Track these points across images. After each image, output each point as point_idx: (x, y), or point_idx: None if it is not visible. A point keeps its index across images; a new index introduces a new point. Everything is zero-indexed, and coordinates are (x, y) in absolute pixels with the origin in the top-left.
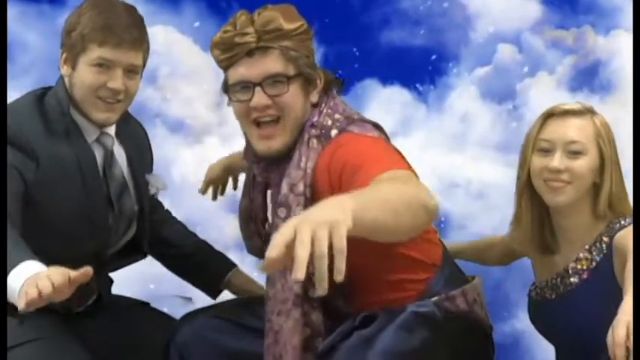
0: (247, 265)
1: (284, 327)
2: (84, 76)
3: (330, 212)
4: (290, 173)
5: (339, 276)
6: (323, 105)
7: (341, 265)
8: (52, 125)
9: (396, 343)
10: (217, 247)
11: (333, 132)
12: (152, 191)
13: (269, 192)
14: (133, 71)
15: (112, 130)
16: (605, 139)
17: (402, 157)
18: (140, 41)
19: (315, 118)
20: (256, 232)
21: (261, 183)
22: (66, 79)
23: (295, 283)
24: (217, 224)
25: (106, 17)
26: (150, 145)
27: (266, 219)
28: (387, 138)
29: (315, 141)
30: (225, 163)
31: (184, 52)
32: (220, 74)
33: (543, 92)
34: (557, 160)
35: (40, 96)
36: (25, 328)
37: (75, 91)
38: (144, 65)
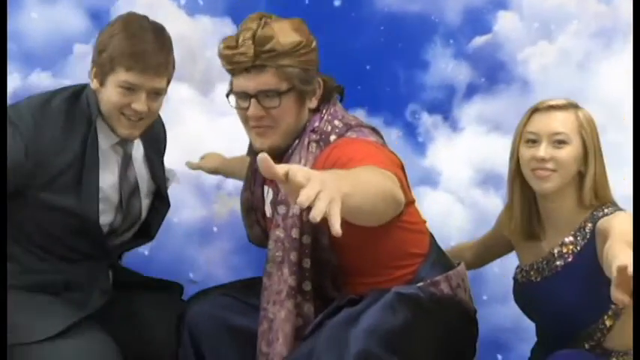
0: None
1: (277, 316)
2: (110, 94)
3: (334, 186)
4: None
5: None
6: (324, 111)
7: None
8: (74, 128)
9: (379, 321)
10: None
11: (332, 137)
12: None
13: (266, 187)
14: (156, 94)
15: None
16: (587, 131)
17: (394, 159)
18: (165, 65)
19: (316, 124)
20: (256, 221)
21: (261, 177)
22: (95, 92)
23: (290, 276)
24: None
25: (134, 43)
26: (165, 137)
27: (265, 211)
28: (384, 142)
29: (314, 145)
30: (219, 167)
31: (169, 17)
32: (206, 41)
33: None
34: (542, 150)
35: (79, 92)
36: (50, 320)
37: (102, 105)
38: (168, 84)
